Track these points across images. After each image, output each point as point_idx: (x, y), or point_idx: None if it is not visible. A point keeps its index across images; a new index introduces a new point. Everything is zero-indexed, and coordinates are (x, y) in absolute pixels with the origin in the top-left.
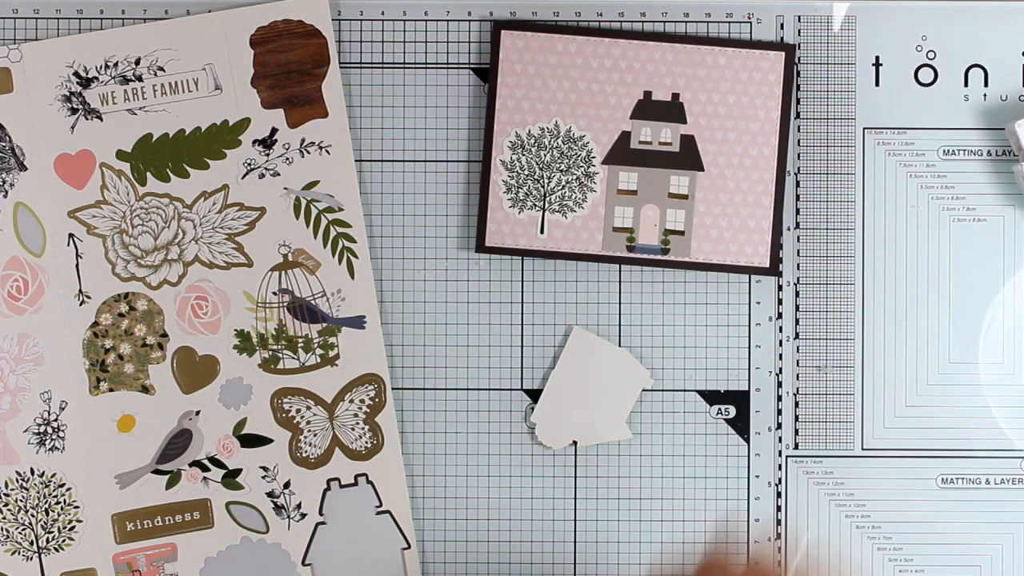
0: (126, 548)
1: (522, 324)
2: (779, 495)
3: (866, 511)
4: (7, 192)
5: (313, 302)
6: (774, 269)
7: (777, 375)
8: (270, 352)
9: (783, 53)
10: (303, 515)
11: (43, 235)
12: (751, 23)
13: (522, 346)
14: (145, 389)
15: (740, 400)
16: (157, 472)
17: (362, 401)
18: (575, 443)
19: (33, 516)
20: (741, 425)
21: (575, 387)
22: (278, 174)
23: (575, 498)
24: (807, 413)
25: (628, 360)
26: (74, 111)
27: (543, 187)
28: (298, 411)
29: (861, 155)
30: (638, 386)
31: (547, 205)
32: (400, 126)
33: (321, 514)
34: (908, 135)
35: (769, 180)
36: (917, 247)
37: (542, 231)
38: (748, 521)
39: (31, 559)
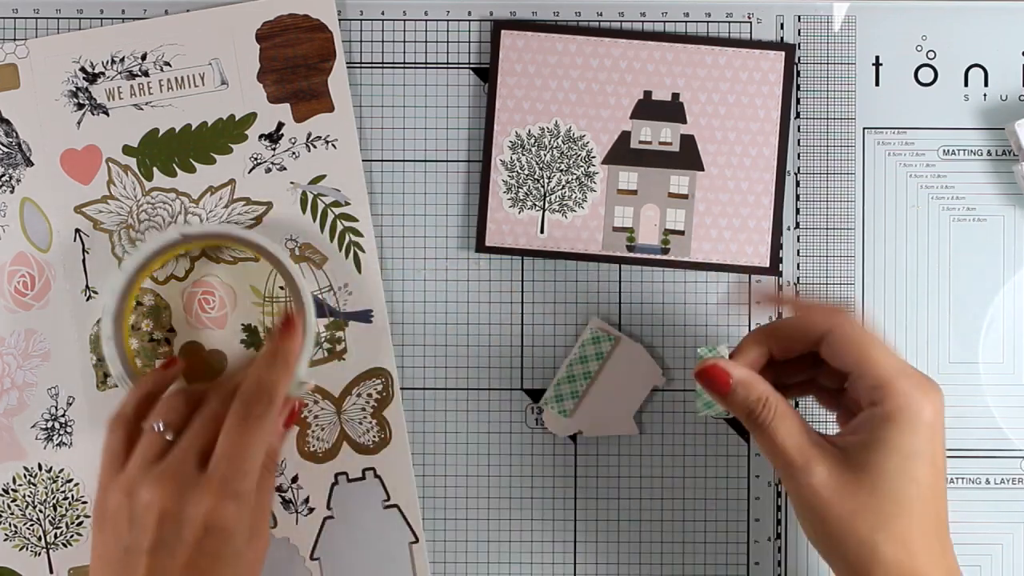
0: None
1: (522, 324)
2: (779, 495)
3: None
4: (14, 188)
5: (320, 296)
6: (774, 269)
7: None
8: None
9: (783, 53)
10: (311, 509)
11: (49, 230)
12: (751, 23)
13: (522, 346)
14: None
15: None
16: None
17: (369, 395)
18: (576, 436)
19: (41, 512)
20: (741, 425)
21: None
22: (284, 168)
23: (575, 497)
24: (807, 413)
25: (643, 356)
26: (80, 106)
27: (543, 187)
28: (305, 405)
29: (861, 155)
30: (649, 383)
31: (547, 205)
32: (400, 126)
33: (329, 508)
34: (908, 135)
35: (769, 180)
36: (917, 247)
37: (542, 231)
38: (748, 521)
39: (39, 554)
